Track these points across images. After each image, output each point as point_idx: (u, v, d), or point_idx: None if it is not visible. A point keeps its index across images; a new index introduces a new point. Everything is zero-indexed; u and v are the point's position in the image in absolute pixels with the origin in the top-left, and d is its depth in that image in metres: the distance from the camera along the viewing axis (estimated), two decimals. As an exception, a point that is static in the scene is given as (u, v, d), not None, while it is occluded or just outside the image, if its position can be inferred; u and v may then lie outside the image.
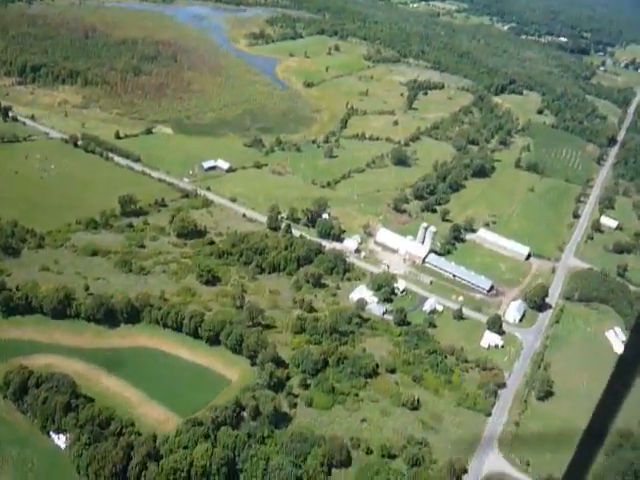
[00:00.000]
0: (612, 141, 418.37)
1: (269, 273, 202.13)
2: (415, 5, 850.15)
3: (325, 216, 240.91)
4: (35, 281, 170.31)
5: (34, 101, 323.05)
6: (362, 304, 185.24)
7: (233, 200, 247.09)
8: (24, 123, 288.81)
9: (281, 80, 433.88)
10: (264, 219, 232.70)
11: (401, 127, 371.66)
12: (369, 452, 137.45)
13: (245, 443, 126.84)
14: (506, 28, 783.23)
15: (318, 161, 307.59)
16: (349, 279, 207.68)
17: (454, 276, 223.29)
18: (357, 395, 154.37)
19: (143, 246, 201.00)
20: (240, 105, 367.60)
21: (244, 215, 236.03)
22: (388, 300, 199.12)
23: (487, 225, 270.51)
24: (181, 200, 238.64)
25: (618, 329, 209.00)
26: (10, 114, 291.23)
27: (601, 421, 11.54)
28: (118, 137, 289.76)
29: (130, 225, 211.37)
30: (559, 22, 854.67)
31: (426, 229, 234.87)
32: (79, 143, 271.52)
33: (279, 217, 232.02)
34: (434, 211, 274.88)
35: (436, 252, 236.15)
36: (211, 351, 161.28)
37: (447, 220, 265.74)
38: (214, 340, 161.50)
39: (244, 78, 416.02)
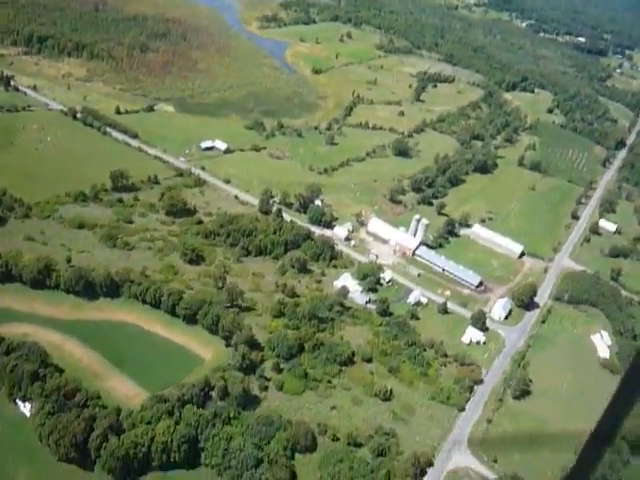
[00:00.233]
0: (621, 144, 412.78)
1: (255, 256, 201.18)
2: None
3: (318, 202, 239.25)
4: (19, 250, 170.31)
5: (38, 72, 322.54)
6: (344, 292, 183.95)
7: (227, 181, 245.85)
8: (25, 93, 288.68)
9: (289, 65, 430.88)
10: (256, 202, 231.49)
11: (406, 118, 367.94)
12: (335, 439, 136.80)
13: (209, 422, 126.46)
14: (524, 25, 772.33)
15: (318, 147, 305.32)
16: (335, 267, 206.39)
17: (443, 270, 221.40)
18: (330, 382, 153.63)
19: (131, 222, 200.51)
20: (245, 87, 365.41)
21: (236, 197, 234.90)
22: (373, 290, 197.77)
23: (483, 221, 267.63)
24: (175, 178, 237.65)
25: (605, 333, 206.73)
26: (12, 84, 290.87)
27: (609, 424, 10.60)
28: (118, 112, 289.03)
29: (120, 200, 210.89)
30: (580, 22, 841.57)
31: (418, 221, 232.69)
32: (78, 116, 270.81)
33: (271, 201, 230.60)
34: (430, 204, 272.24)
35: (427, 245, 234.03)
36: (187, 330, 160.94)
37: (443, 214, 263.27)
38: (191, 319, 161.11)
39: (252, 60, 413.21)
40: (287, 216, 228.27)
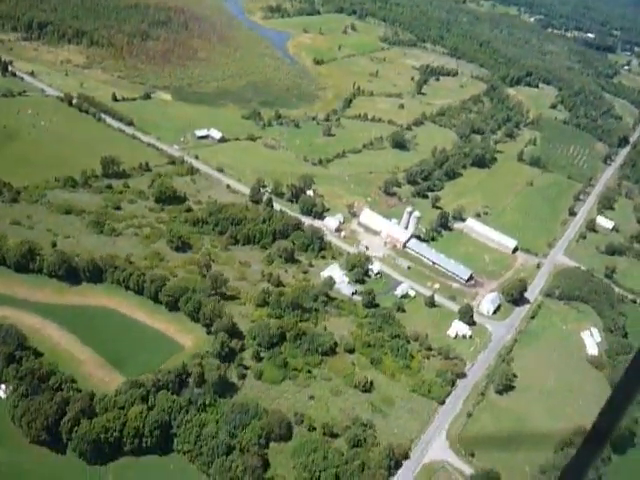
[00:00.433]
0: (624, 142, 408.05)
1: (243, 245, 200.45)
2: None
3: (310, 193, 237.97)
4: (4, 234, 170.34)
5: (37, 58, 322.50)
6: (330, 282, 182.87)
7: (220, 170, 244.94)
8: (22, 79, 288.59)
9: (291, 55, 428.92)
10: (248, 191, 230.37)
11: (406, 111, 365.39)
12: (312, 429, 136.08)
13: (182, 408, 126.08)
14: (532, 20, 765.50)
15: (315, 138, 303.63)
16: (324, 257, 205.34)
17: (433, 263, 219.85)
18: (310, 372, 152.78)
19: (119, 208, 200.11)
20: (245, 77, 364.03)
21: (228, 186, 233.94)
22: (360, 281, 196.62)
23: (478, 215, 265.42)
24: (167, 166, 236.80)
25: (595, 330, 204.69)
26: (10, 69, 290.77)
27: (606, 421, 11.13)
28: (115, 99, 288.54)
29: (109, 186, 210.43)
30: (589, 18, 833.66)
31: (410, 214, 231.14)
32: (74, 102, 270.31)
33: (262, 190, 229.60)
34: (426, 197, 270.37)
35: (419, 238, 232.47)
36: (169, 316, 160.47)
37: (437, 207, 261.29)
38: (173, 306, 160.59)
39: (253, 50, 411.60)
40: (278, 206, 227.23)
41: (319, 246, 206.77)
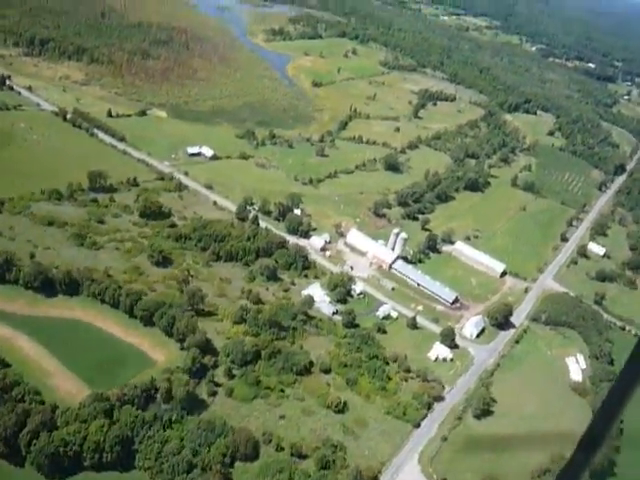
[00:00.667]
0: (620, 169, 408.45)
1: (225, 261, 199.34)
2: (445, 18, 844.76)
3: (297, 212, 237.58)
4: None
5: (36, 73, 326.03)
6: (309, 301, 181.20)
7: (208, 187, 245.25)
8: (19, 93, 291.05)
9: (290, 77, 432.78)
10: (235, 208, 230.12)
11: (402, 134, 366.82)
12: (279, 449, 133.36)
13: (145, 424, 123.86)
14: (534, 49, 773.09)
15: (308, 159, 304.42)
16: (306, 276, 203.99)
17: (419, 285, 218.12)
18: (282, 391, 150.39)
19: (102, 222, 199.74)
20: (242, 97, 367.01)
21: (215, 202, 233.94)
22: (342, 301, 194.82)
23: (468, 239, 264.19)
24: (155, 182, 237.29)
25: (580, 356, 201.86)
26: (7, 83, 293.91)
27: (601, 426, 11.43)
28: (110, 115, 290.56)
29: (94, 200, 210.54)
30: (591, 48, 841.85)
31: (397, 235, 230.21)
32: (68, 117, 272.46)
33: (249, 208, 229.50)
34: (416, 219, 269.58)
35: (405, 259, 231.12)
36: (144, 331, 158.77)
37: (427, 229, 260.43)
38: (148, 320, 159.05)
39: (253, 71, 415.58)
40: (265, 224, 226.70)
41: (302, 265, 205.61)
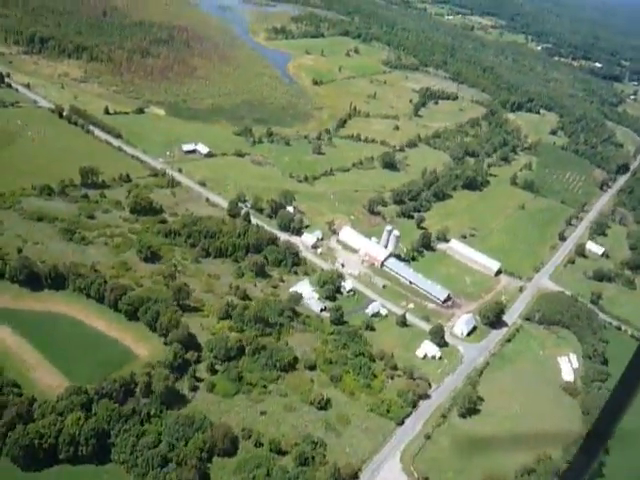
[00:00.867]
0: (623, 169, 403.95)
1: (215, 257, 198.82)
2: (451, 17, 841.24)
3: (290, 209, 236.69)
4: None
5: (36, 71, 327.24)
6: (296, 298, 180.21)
7: (202, 184, 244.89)
8: (17, 90, 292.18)
9: (290, 75, 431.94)
10: (227, 205, 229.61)
11: (401, 132, 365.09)
12: (259, 445, 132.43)
13: (121, 418, 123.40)
14: (539, 48, 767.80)
15: (304, 156, 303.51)
16: (296, 273, 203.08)
17: (410, 283, 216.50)
18: (265, 387, 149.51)
19: (93, 217, 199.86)
20: (241, 95, 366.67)
21: (207, 199, 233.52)
22: (331, 298, 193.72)
23: (464, 237, 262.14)
24: (148, 178, 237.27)
25: (573, 356, 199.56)
26: (6, 81, 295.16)
27: (605, 423, 11.63)
28: (107, 112, 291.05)
29: (85, 196, 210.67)
30: (598, 48, 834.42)
31: (390, 232, 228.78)
32: (64, 114, 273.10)
33: (241, 204, 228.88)
34: (411, 217, 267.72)
35: (398, 257, 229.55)
36: (128, 326, 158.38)
37: (422, 227, 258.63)
38: (132, 315, 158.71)
39: (252, 70, 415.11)
40: (257, 221, 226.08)
41: (293, 262, 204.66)
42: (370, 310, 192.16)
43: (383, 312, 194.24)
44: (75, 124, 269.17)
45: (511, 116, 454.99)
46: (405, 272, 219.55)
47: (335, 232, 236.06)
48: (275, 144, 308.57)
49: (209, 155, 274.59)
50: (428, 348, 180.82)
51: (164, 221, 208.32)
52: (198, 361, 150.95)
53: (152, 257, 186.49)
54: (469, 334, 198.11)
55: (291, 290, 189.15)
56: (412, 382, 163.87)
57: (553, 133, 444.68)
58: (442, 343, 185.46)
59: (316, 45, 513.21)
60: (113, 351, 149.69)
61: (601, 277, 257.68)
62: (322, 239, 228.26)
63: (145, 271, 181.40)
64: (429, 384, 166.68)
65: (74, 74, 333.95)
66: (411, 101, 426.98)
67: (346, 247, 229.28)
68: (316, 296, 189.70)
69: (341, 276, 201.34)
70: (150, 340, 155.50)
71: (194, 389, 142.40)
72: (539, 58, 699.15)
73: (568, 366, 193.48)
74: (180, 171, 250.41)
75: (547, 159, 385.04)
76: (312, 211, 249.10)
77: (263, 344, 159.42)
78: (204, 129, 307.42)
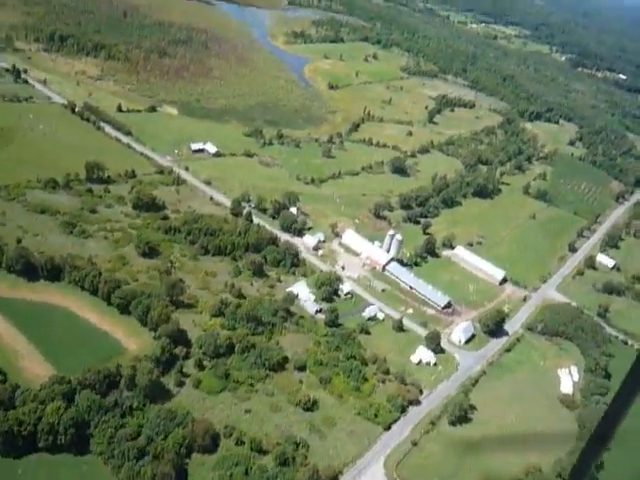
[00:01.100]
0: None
1: (213, 255, 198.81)
2: (474, 26, 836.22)
3: (293, 210, 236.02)
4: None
5: (53, 68, 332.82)
6: (291, 298, 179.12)
7: (207, 183, 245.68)
8: (33, 86, 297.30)
9: (306, 79, 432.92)
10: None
11: (414, 138, 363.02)
12: (240, 443, 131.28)
13: (102, 409, 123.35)
14: (563, 59, 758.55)
15: (313, 159, 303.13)
16: (294, 274, 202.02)
17: (411, 288, 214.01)
18: (252, 385, 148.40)
19: (95, 211, 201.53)
20: (255, 97, 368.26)
21: (211, 198, 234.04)
22: (328, 300, 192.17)
23: (470, 245, 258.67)
24: (153, 175, 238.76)
25: (574, 368, 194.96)
26: (23, 76, 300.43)
27: (607, 424, 12.44)
28: (120, 110, 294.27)
29: (90, 190, 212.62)
30: (625, 59, 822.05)
31: (392, 236, 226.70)
32: (77, 110, 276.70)
33: (244, 204, 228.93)
34: (417, 222, 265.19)
35: (400, 261, 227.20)
36: (120, 319, 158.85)
37: (427, 233, 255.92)
38: (125, 309, 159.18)
39: (269, 72, 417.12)
40: (259, 220, 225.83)
41: (292, 262, 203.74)
42: (367, 313, 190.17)
43: (380, 316, 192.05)
44: (87, 120, 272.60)
45: (528, 125, 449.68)
46: (406, 277, 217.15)
47: (338, 235, 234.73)
48: (285, 146, 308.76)
49: (217, 155, 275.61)
50: (423, 354, 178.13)
51: (165, 217, 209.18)
52: (187, 357, 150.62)
53: (150, 252, 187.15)
54: (467, 342, 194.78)
55: (288, 290, 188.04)
56: (403, 387, 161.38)
57: (571, 144, 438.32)
58: (438, 349, 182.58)
59: (335, 50, 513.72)
60: (103, 344, 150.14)
61: (610, 290, 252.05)
62: (324, 241, 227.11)
63: (142, 266, 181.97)
64: (420, 390, 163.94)
65: (91, 72, 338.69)
66: (426, 108, 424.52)
67: (348, 250, 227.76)
68: (312, 297, 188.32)
69: (339, 278, 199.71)
70: (141, 334, 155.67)
71: (180, 384, 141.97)
72: (562, 69, 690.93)
73: (568, 378, 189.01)
74: (187, 169, 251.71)
75: (562, 169, 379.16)
76: (316, 213, 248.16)
77: (253, 343, 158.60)
78: (215, 129, 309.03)
